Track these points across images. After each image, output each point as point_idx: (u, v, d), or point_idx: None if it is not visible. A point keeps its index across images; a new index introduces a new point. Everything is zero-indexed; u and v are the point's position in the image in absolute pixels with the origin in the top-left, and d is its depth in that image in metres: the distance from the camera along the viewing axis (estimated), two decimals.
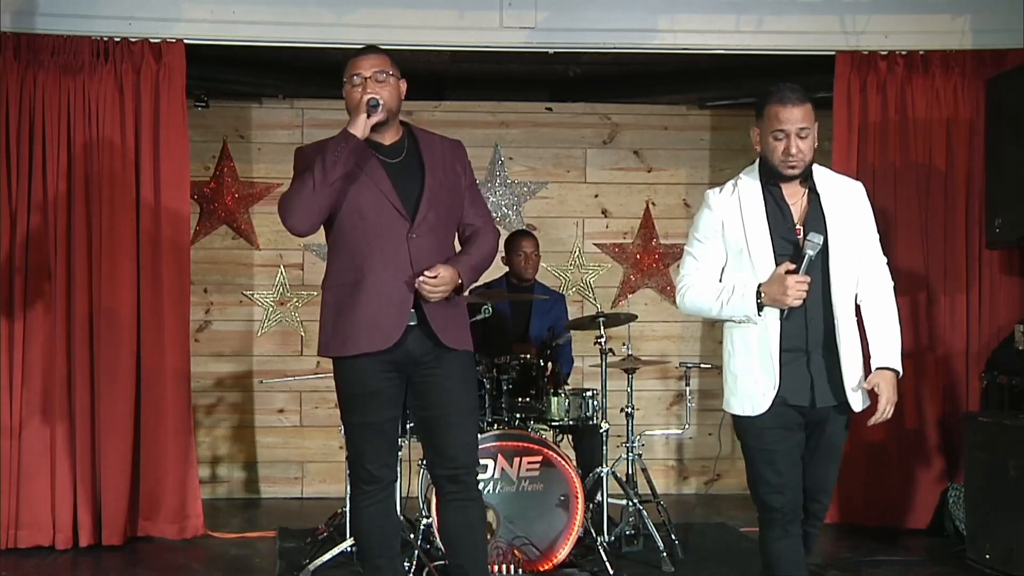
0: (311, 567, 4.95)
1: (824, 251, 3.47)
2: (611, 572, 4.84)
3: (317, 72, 6.46)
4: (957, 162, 5.89)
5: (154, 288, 5.61)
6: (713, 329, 7.08)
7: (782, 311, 3.44)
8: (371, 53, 3.72)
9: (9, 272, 5.47)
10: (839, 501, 5.65)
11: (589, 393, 5.31)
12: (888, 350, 3.52)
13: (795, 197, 3.55)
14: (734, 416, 3.58)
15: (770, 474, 3.52)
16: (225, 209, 7.03)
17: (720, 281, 3.57)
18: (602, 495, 5.21)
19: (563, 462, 4.94)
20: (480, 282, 4.53)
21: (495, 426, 5.07)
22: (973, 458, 5.19)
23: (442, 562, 4.69)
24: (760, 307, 3.45)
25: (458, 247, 3.85)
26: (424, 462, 4.69)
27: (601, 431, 5.25)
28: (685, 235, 3.84)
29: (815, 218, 3.51)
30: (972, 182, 5.86)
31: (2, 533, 5.42)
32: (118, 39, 5.58)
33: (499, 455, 4.91)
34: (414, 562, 4.73)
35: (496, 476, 4.91)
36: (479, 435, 4.54)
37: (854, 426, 3.64)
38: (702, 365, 5.80)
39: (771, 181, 3.54)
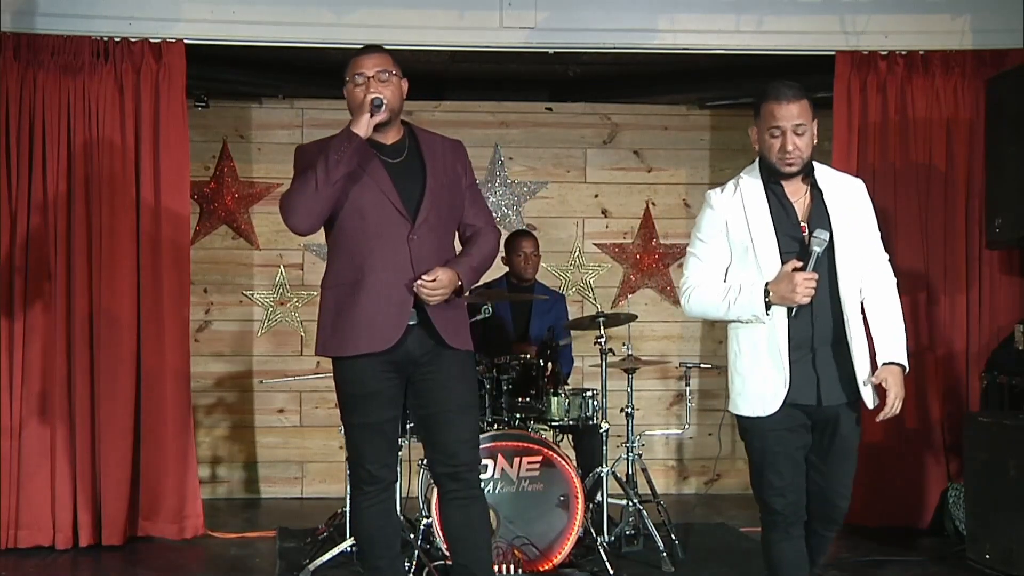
0: (311, 567, 4.95)
1: (830, 248, 3.45)
2: (611, 572, 4.84)
3: (317, 72, 6.47)
4: (957, 162, 5.89)
5: (154, 288, 5.61)
6: (713, 329, 7.08)
7: (790, 309, 3.43)
8: (374, 52, 3.71)
9: (9, 272, 5.47)
10: None
11: (589, 393, 5.30)
12: (894, 346, 3.50)
13: (798, 195, 3.54)
14: (739, 417, 3.56)
15: (773, 476, 3.51)
16: (225, 209, 7.03)
17: (724, 281, 3.55)
18: (602, 495, 5.21)
19: (563, 462, 4.94)
20: (480, 282, 4.52)
21: (495, 426, 5.07)
22: (973, 458, 5.18)
23: (442, 562, 4.69)
24: (768, 305, 3.43)
25: (458, 247, 3.85)
26: (424, 461, 4.69)
27: (601, 431, 5.25)
28: (685, 235, 3.84)
29: (819, 215, 3.50)
30: (972, 182, 5.86)
31: (2, 533, 5.42)
32: (118, 39, 5.58)
33: (499, 455, 4.91)
34: (414, 562, 4.73)
35: (496, 476, 4.91)
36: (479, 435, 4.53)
37: None
38: (702, 365, 5.81)
39: (772, 179, 3.53)
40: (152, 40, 5.60)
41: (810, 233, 3.46)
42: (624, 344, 5.49)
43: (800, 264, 3.43)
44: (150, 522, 5.65)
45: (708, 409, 7.15)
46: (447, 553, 4.15)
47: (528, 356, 5.25)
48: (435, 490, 4.41)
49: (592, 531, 5.00)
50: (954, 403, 5.87)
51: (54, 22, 5.53)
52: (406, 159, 3.72)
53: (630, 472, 5.44)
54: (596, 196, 7.28)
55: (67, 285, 5.50)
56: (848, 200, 3.55)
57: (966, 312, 5.87)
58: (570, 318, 6.04)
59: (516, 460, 4.93)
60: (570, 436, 5.57)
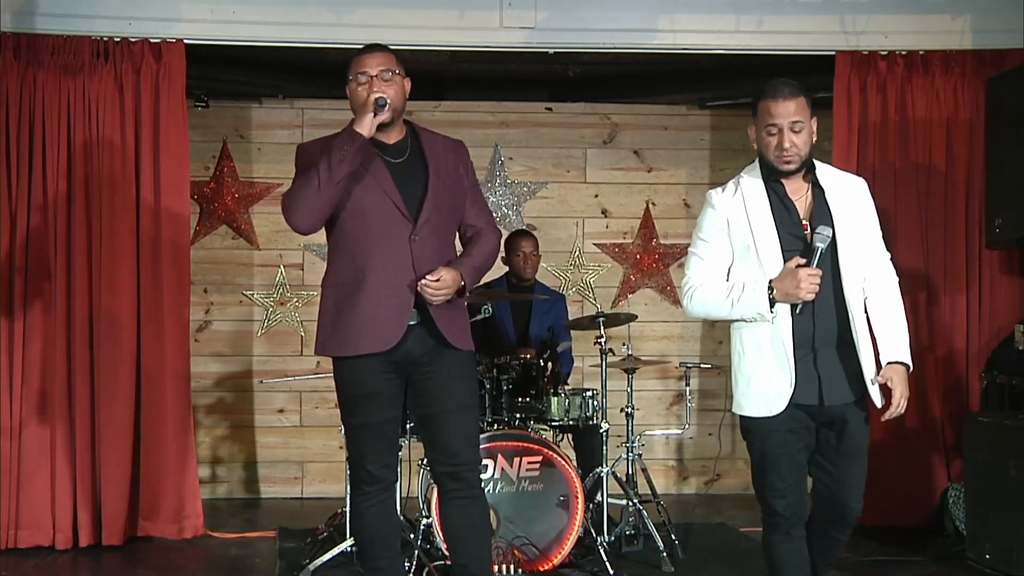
0: (311, 567, 4.95)
1: (832, 246, 3.44)
2: (611, 572, 4.84)
3: (317, 72, 6.47)
4: (957, 162, 5.89)
5: (154, 288, 5.61)
6: (713, 329, 7.09)
7: (794, 306, 3.41)
8: (377, 51, 3.69)
9: (9, 272, 5.47)
10: None
11: (589, 393, 5.30)
12: (897, 345, 3.49)
13: (799, 193, 3.53)
14: (742, 417, 3.55)
15: (774, 477, 3.50)
16: (225, 209, 7.03)
17: (727, 280, 3.54)
18: (602, 495, 5.21)
19: (563, 462, 4.94)
20: (480, 282, 4.52)
21: (495, 426, 5.07)
22: (973, 458, 5.18)
23: (442, 562, 4.69)
24: (771, 303, 3.42)
25: (459, 247, 3.84)
26: (424, 461, 4.69)
27: (601, 431, 5.25)
28: (685, 235, 3.84)
29: (820, 213, 3.49)
30: (972, 182, 5.86)
31: (2, 533, 5.42)
32: (118, 39, 5.58)
33: (499, 455, 4.91)
34: (414, 562, 4.73)
35: (496, 476, 4.90)
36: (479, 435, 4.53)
37: None
38: (702, 365, 5.81)
39: (773, 178, 3.52)
40: (152, 40, 5.60)
41: (812, 231, 3.45)
42: (624, 344, 5.49)
43: (803, 261, 3.42)
44: (150, 522, 5.65)
45: (708, 409, 7.15)
46: (447, 553, 4.15)
47: (528, 356, 5.25)
48: (435, 490, 4.40)
49: (592, 531, 5.00)
50: (954, 403, 5.87)
51: (54, 22, 5.53)
52: (408, 159, 3.71)
53: (630, 472, 5.44)
54: (596, 196, 7.28)
55: (67, 285, 5.50)
56: (850, 199, 3.54)
57: (966, 312, 5.88)
58: (570, 318, 6.04)
59: (516, 460, 4.93)
60: (570, 436, 5.57)
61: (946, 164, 5.89)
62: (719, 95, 7.00)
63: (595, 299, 7.17)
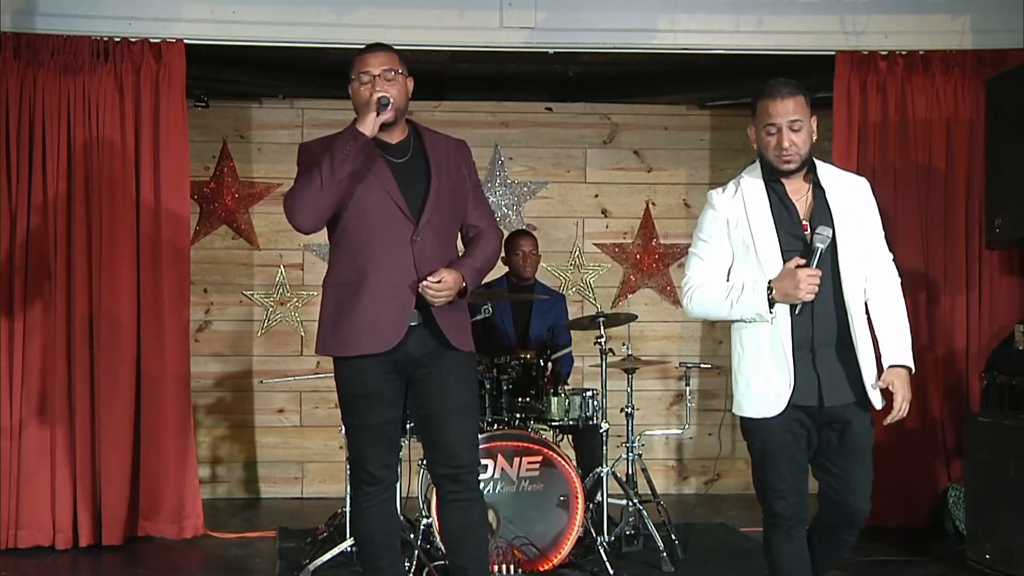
0: (311, 567, 4.95)
1: (832, 246, 3.43)
2: (611, 572, 4.84)
3: (317, 72, 6.47)
4: (957, 162, 5.89)
5: (154, 288, 5.61)
6: (713, 329, 7.09)
7: (793, 307, 3.41)
8: (380, 50, 3.68)
9: (9, 272, 5.47)
10: None
11: (589, 393, 5.30)
12: (900, 347, 3.47)
13: (799, 193, 3.52)
14: (742, 418, 3.54)
15: (774, 478, 3.50)
16: (225, 209, 7.03)
17: (727, 281, 3.53)
18: (602, 495, 5.20)
19: (563, 462, 4.94)
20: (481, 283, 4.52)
21: (495, 426, 5.07)
22: (973, 458, 5.18)
23: (442, 562, 4.69)
24: (771, 303, 3.41)
25: (460, 247, 3.84)
26: (424, 462, 4.68)
27: (601, 431, 5.25)
28: (685, 235, 3.84)
29: (821, 214, 3.48)
30: (972, 182, 5.86)
31: (2, 533, 5.42)
32: (118, 39, 5.58)
33: (499, 455, 4.91)
34: (414, 562, 4.73)
35: (496, 476, 4.90)
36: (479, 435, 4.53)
37: None
38: (702, 365, 5.81)
39: (773, 178, 3.51)
40: (152, 40, 5.60)
41: (812, 231, 3.44)
42: (624, 344, 5.49)
43: (803, 261, 3.41)
44: (150, 522, 5.65)
45: (708, 409, 7.15)
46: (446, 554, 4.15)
47: (528, 356, 5.25)
48: (435, 490, 4.40)
49: (592, 531, 5.00)
50: (954, 403, 5.87)
51: (54, 22, 5.53)
52: (411, 159, 3.70)
53: (630, 472, 5.44)
54: (596, 196, 7.28)
55: (67, 285, 5.50)
56: (851, 198, 3.53)
57: (966, 312, 5.88)
58: (570, 318, 6.04)
59: (516, 460, 4.92)
60: (570, 436, 5.57)
61: (946, 164, 5.89)
62: (719, 95, 7.00)
63: (595, 299, 7.17)
